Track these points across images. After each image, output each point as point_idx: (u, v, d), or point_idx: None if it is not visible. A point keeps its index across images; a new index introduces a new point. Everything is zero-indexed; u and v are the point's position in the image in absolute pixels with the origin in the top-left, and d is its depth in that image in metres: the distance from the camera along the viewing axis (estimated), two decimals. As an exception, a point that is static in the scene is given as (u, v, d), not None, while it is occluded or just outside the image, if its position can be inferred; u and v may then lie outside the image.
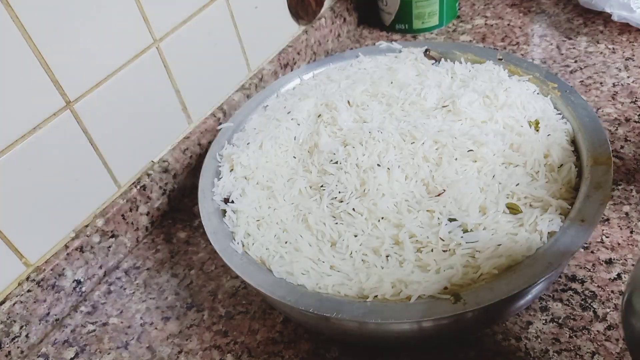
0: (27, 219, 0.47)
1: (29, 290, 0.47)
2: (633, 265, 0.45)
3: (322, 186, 0.47)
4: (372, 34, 0.85)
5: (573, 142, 0.47)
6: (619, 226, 0.48)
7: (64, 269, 0.50)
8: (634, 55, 0.67)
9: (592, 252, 0.47)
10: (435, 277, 0.38)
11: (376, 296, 0.37)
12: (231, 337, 0.46)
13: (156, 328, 0.49)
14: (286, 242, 0.43)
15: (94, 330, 0.49)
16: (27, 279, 0.48)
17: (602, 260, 0.46)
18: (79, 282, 0.52)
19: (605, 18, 0.74)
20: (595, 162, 0.42)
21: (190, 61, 0.60)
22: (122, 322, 0.50)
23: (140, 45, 0.54)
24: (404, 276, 0.38)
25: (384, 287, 0.38)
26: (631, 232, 0.47)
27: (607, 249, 0.47)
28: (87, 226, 0.52)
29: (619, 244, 0.47)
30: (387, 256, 0.41)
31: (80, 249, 0.51)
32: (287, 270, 0.41)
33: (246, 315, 0.48)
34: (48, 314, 0.50)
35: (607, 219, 0.49)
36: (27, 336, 0.48)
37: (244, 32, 0.66)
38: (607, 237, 0.48)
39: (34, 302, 0.48)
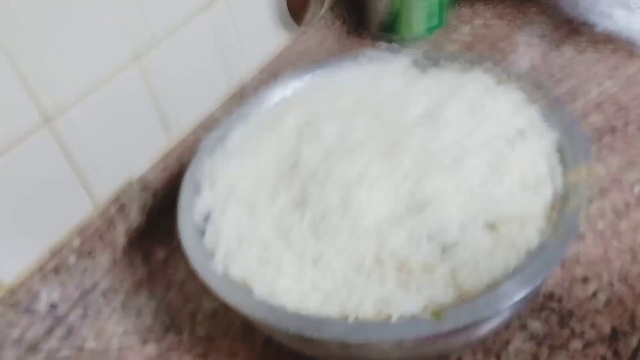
0: None
1: (1, 315, 0.46)
2: (608, 283, 0.46)
3: (303, 203, 0.46)
4: (359, 43, 0.84)
5: (558, 152, 0.47)
6: (594, 244, 0.49)
7: (38, 292, 0.49)
8: (618, 65, 0.68)
9: (568, 270, 0.47)
10: (416, 296, 0.38)
11: (358, 315, 0.37)
12: None
13: (134, 351, 0.47)
14: (267, 261, 0.43)
15: (69, 356, 0.48)
16: (0, 302, 0.46)
17: (579, 278, 0.46)
18: (54, 305, 0.50)
19: (590, 28, 0.75)
20: (579, 174, 0.43)
21: (171, 76, 0.59)
22: (98, 346, 0.48)
23: (121, 60, 0.53)
24: (385, 295, 0.38)
25: (365, 306, 0.37)
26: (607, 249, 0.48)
27: (582, 266, 0.47)
28: (63, 246, 0.51)
29: (594, 261, 0.48)
30: (368, 274, 0.40)
31: (56, 270, 0.50)
32: (268, 290, 0.40)
33: (226, 336, 0.47)
34: (22, 338, 0.48)
35: (582, 236, 0.50)
36: (-2, 361, 0.46)
37: (228, 45, 0.65)
38: (582, 254, 0.48)
39: (7, 326, 0.46)
